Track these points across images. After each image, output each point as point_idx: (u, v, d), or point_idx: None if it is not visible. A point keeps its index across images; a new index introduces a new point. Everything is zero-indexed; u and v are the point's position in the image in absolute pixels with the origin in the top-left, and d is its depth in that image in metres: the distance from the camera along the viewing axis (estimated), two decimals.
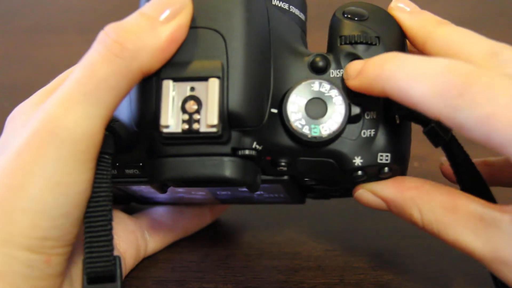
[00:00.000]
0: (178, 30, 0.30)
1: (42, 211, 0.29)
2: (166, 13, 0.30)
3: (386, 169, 0.32)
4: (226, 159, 0.30)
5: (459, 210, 0.30)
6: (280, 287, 0.38)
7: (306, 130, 0.31)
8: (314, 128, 0.31)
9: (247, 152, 0.30)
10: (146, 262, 0.40)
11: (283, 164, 0.32)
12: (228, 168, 0.30)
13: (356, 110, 0.31)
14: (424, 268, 0.39)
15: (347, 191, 0.35)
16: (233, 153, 0.30)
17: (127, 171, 0.34)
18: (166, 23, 0.30)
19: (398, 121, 0.32)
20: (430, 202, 0.31)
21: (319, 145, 0.31)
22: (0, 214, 0.30)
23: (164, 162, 0.31)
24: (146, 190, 0.37)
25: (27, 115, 0.32)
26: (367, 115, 0.31)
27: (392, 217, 0.44)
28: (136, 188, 0.37)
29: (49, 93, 0.32)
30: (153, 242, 0.40)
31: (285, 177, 0.33)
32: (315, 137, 0.31)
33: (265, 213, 0.44)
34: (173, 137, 0.30)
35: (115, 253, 0.36)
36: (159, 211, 0.42)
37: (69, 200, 0.30)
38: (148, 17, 0.30)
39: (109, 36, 0.29)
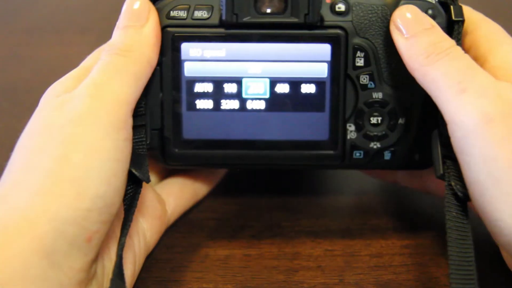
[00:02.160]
0: (156, 24, 0.37)
1: (86, 178, 0.31)
2: (141, 17, 0.37)
3: None
4: None
5: None
6: (280, 287, 0.38)
7: None
8: None
9: None
10: (146, 262, 0.40)
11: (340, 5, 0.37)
12: None
13: None
14: (423, 269, 0.39)
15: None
16: None
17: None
18: (145, 24, 0.37)
19: None
20: None
21: None
22: (48, 188, 0.31)
23: None
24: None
25: (63, 91, 0.35)
26: None
27: (393, 217, 0.44)
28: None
29: (78, 77, 0.36)
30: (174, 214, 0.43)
31: (340, 30, 0.37)
32: None
33: (264, 213, 0.44)
34: None
35: (139, 237, 0.39)
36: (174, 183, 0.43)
37: (109, 165, 0.32)
38: (129, 27, 0.36)
39: (111, 50, 0.35)
